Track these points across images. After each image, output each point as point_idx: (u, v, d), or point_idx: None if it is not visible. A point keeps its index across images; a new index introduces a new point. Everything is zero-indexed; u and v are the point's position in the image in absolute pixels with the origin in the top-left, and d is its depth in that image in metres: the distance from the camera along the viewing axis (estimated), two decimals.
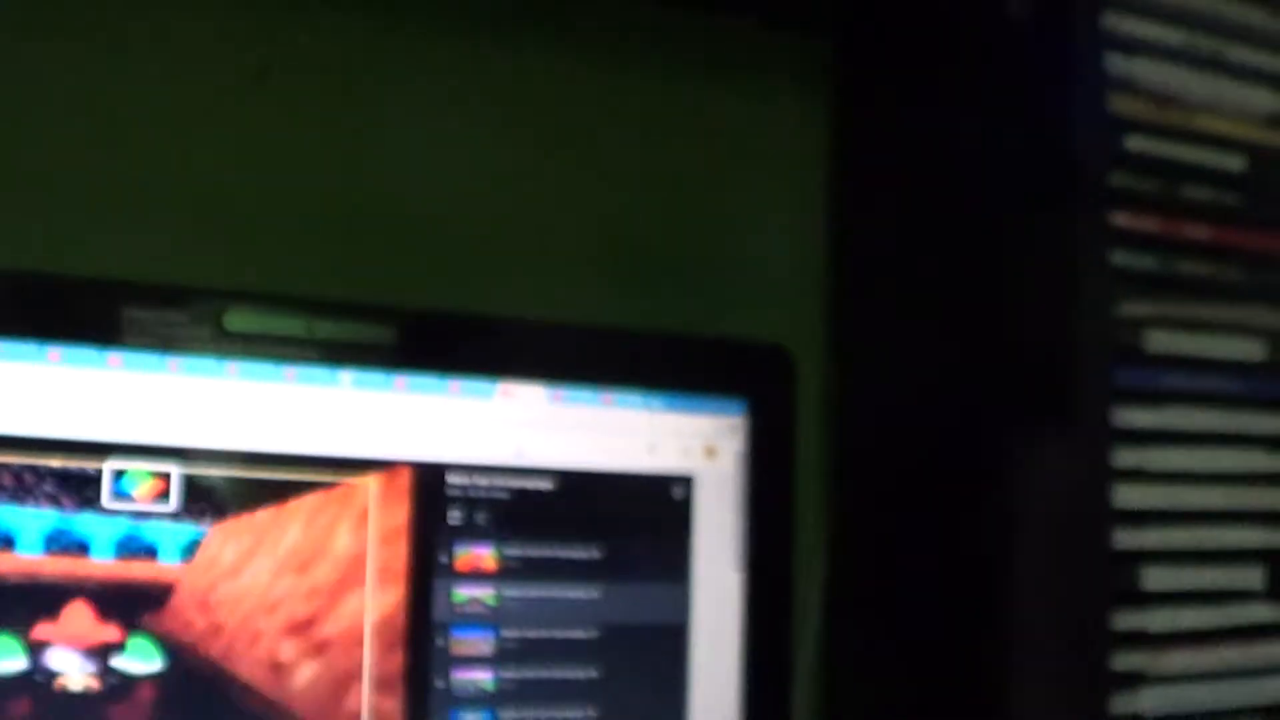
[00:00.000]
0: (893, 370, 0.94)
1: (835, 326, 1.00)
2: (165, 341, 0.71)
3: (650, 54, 0.99)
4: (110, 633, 0.68)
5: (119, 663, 0.68)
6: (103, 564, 0.68)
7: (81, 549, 0.68)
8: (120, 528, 0.69)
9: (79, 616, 0.68)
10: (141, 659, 0.69)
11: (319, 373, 0.75)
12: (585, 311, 0.90)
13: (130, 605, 0.69)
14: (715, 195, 0.99)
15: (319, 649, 0.73)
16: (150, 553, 0.70)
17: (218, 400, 0.72)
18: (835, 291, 1.01)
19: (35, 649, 0.67)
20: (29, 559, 0.67)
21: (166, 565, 0.70)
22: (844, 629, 0.96)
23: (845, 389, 0.98)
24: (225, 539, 0.71)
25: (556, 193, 0.95)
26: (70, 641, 0.67)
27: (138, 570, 0.69)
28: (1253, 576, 0.86)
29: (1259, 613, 0.86)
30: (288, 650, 0.72)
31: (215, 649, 0.70)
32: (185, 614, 0.69)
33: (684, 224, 0.99)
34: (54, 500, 0.68)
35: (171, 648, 0.69)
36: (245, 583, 0.71)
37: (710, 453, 0.82)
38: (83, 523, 0.68)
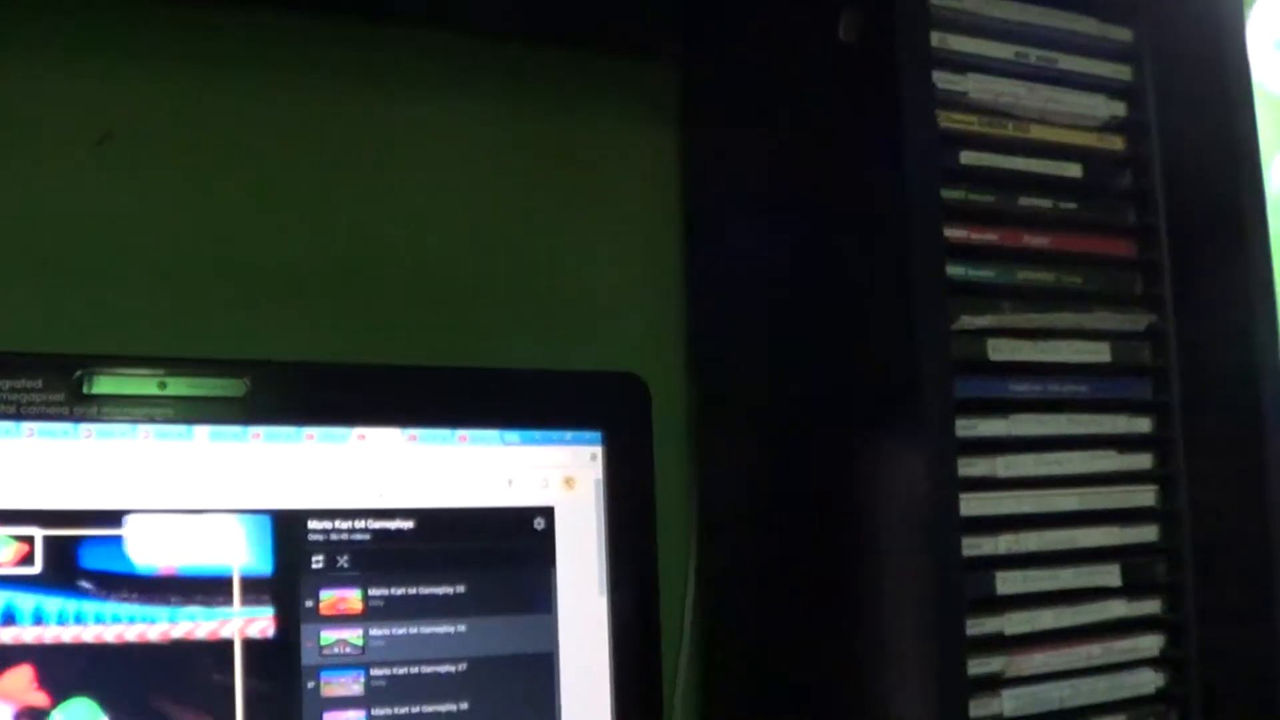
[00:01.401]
0: (748, 390, 0.99)
1: (692, 350, 1.06)
2: (20, 408, 0.76)
3: (497, 86, 1.03)
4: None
5: None
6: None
7: None
8: None
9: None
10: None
11: (175, 429, 0.79)
12: (439, 351, 0.95)
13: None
14: (567, 225, 1.04)
15: (190, 694, 0.77)
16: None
17: (76, 463, 0.76)
18: (691, 315, 1.06)
19: None
20: None
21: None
22: (715, 644, 1.02)
23: (704, 411, 1.04)
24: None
25: (406, 231, 0.99)
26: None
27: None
28: (1110, 574, 0.91)
29: (1118, 608, 0.91)
30: (158, 696, 0.76)
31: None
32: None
33: (536, 256, 1.03)
34: None
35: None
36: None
37: (569, 483, 0.87)
38: None
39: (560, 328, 1.02)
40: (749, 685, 0.98)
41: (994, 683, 0.85)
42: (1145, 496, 0.93)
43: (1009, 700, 0.86)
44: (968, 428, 0.86)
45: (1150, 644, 0.92)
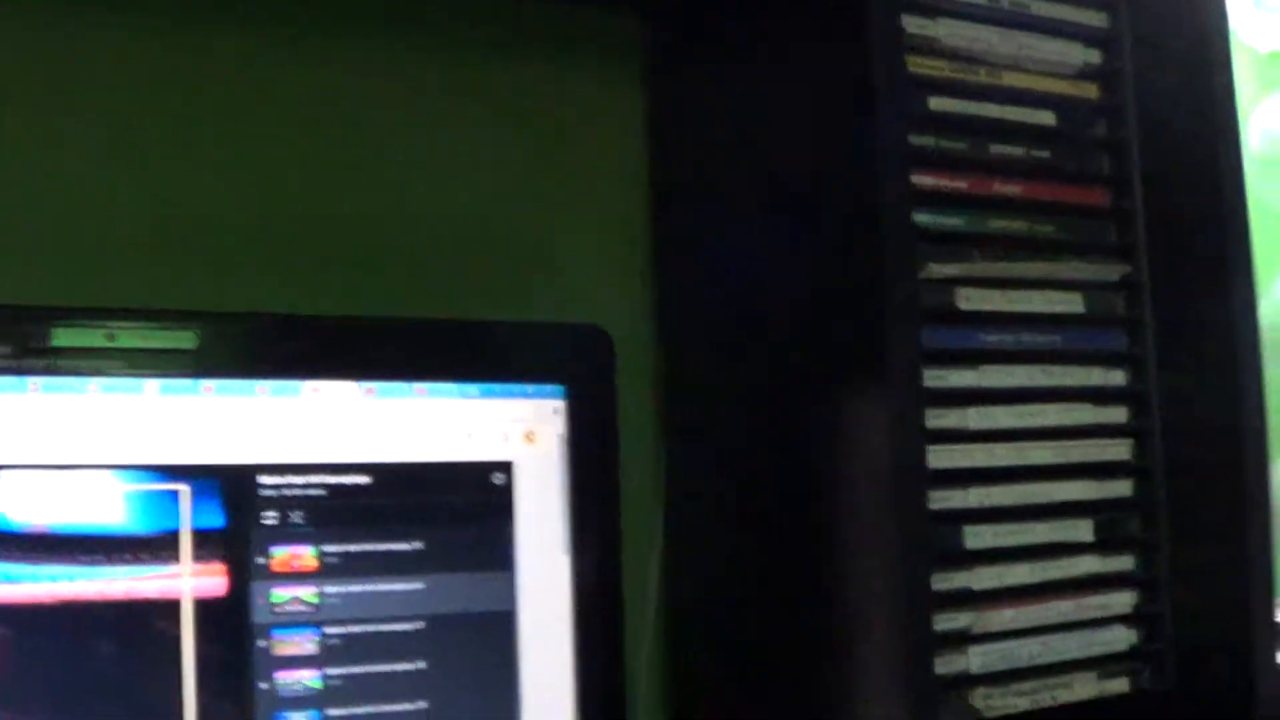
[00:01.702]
0: (715, 343, 0.97)
1: (659, 302, 1.02)
2: None
3: (462, 37, 1.00)
4: None
5: None
6: None
7: None
8: None
9: None
10: None
11: (124, 382, 0.76)
12: (401, 303, 0.92)
13: None
14: (532, 180, 1.01)
15: (138, 653, 0.74)
16: None
17: (23, 417, 0.73)
18: (658, 267, 1.03)
19: None
20: None
21: None
22: (681, 602, 0.99)
23: (671, 366, 1.01)
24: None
25: (367, 183, 0.96)
26: None
27: None
28: (1082, 529, 0.88)
29: (1090, 564, 0.88)
30: (106, 656, 0.73)
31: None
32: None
33: (502, 208, 1.00)
34: None
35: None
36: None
37: (530, 437, 0.84)
38: None
39: (524, 284, 0.99)
40: (715, 643, 0.96)
41: (961, 639, 0.83)
42: (1120, 450, 0.91)
43: (976, 657, 0.83)
44: (937, 378, 0.84)
45: (1123, 600, 0.90)
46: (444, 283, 0.96)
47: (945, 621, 0.82)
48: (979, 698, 0.83)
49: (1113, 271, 0.92)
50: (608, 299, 0.99)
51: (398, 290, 0.95)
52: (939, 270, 0.84)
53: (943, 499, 0.83)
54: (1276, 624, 0.91)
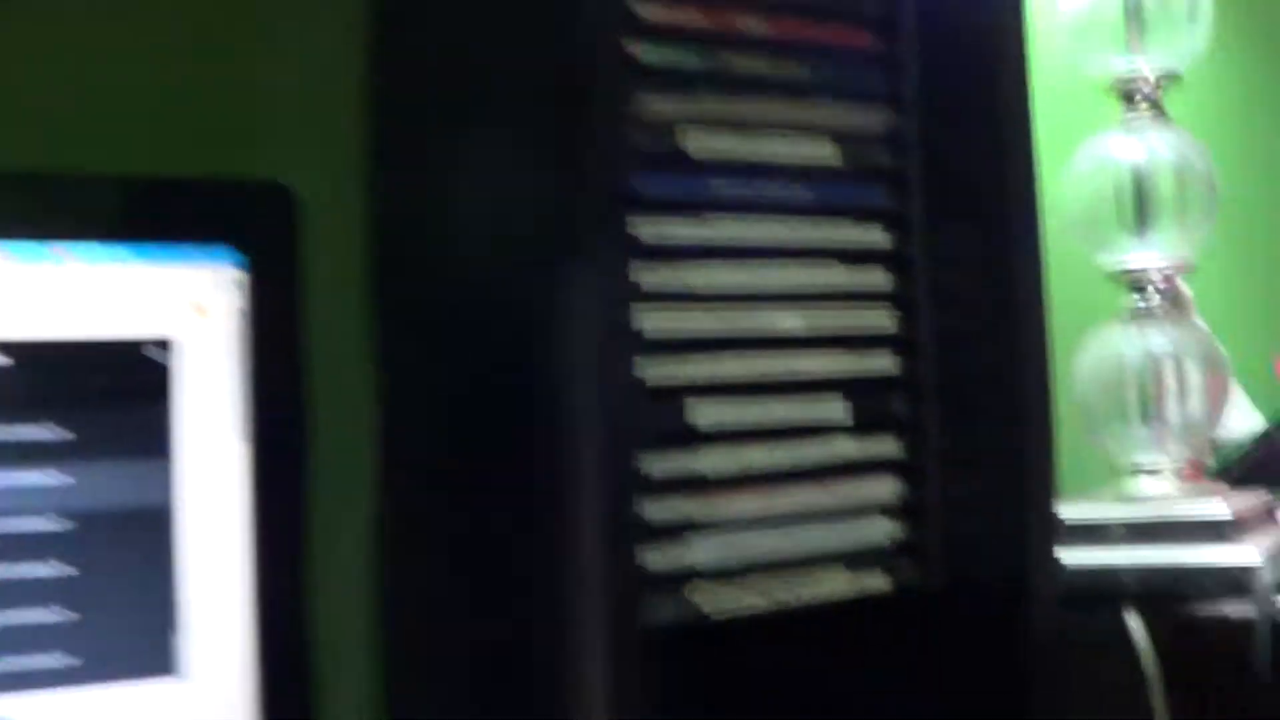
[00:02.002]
0: (424, 204, 0.84)
1: (366, 166, 0.90)
2: None
3: None
4: None
5: None
6: None
7: None
8: None
9: None
10: None
11: None
12: (64, 158, 0.79)
13: None
14: (228, 26, 0.88)
15: None
16: None
17: None
18: (364, 129, 0.90)
19: None
20: None
21: None
22: (390, 494, 0.86)
23: (381, 230, 0.88)
24: None
25: (39, 27, 0.83)
26: None
27: None
28: (836, 407, 0.77)
29: (845, 448, 0.77)
30: None
31: None
32: None
33: (189, 57, 0.87)
34: None
35: None
36: None
37: (200, 310, 0.72)
38: None
39: (210, 140, 0.86)
40: (422, 539, 0.83)
41: (681, 529, 0.71)
42: (880, 319, 0.80)
43: (702, 549, 0.72)
44: (652, 230, 0.71)
45: (885, 488, 0.80)
46: (116, 137, 0.83)
47: (662, 510, 0.71)
48: (702, 593, 0.71)
49: (876, 121, 0.80)
50: (307, 160, 0.86)
51: (58, 144, 0.81)
52: (659, 108, 0.72)
53: (660, 370, 0.71)
54: (1054, 515, 0.80)
